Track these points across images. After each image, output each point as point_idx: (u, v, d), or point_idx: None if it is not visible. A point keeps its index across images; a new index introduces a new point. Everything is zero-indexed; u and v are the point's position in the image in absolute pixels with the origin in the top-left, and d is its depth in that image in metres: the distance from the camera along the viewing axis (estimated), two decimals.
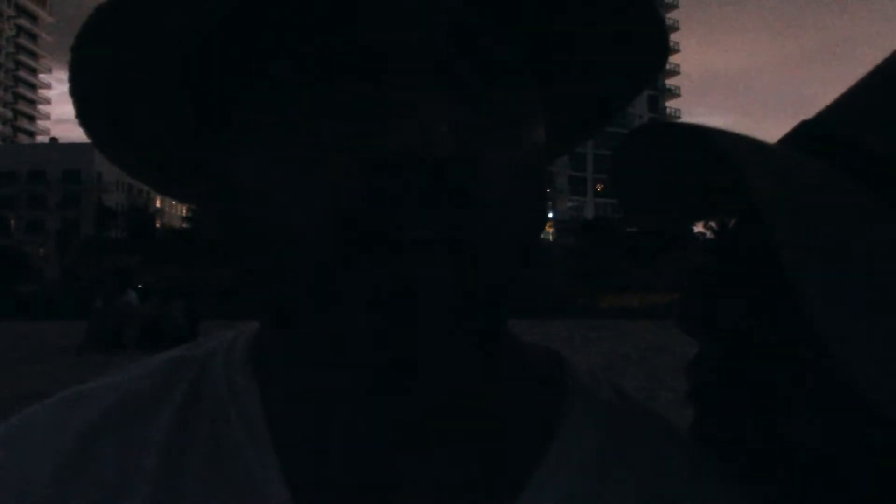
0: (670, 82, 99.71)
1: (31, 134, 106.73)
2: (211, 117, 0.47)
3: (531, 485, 0.48)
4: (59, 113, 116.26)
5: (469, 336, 0.42)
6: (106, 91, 0.46)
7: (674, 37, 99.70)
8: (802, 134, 0.55)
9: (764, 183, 0.46)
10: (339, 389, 0.47)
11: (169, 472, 0.49)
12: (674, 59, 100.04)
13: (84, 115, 0.47)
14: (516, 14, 0.44)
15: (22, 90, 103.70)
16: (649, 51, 0.49)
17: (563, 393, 0.52)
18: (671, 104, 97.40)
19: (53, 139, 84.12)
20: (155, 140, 0.50)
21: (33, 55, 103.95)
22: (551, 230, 77.22)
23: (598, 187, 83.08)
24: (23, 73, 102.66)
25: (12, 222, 71.75)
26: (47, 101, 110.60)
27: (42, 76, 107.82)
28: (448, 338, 0.41)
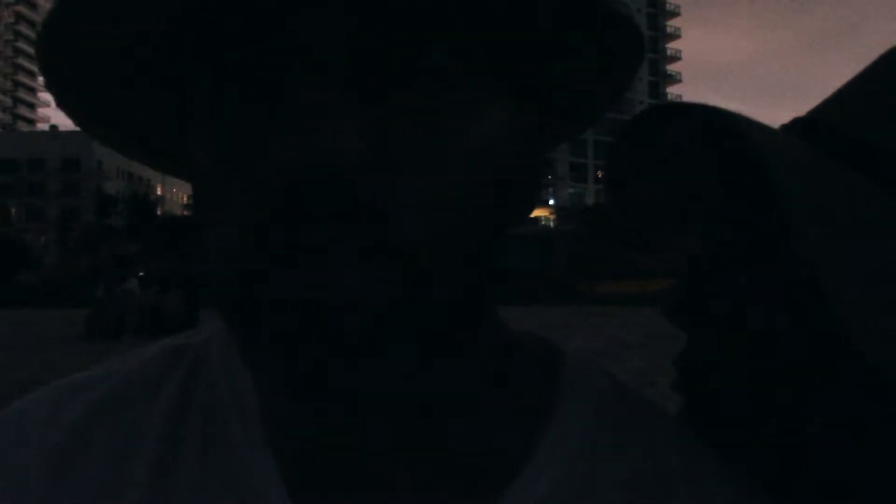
0: (671, 68, 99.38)
1: (31, 122, 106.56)
2: (181, 113, 0.47)
3: (524, 473, 0.48)
4: None
5: (398, 347, 0.40)
6: (79, 75, 0.46)
7: (675, 22, 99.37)
8: (797, 130, 0.54)
9: (792, 185, 0.45)
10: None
11: (164, 463, 0.49)
12: (675, 44, 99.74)
13: (60, 95, 0.47)
14: (443, 12, 0.42)
15: (21, 78, 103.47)
16: (617, 42, 0.46)
17: (556, 382, 0.52)
18: (672, 90, 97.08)
19: (53, 127, 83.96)
20: (141, 128, 0.51)
21: (32, 42, 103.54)
22: (552, 217, 77.14)
23: (599, 174, 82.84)
24: (22, 61, 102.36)
25: (12, 210, 71.72)
26: (47, 89, 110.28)
27: None
28: (366, 350, 0.40)
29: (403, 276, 0.40)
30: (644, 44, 0.46)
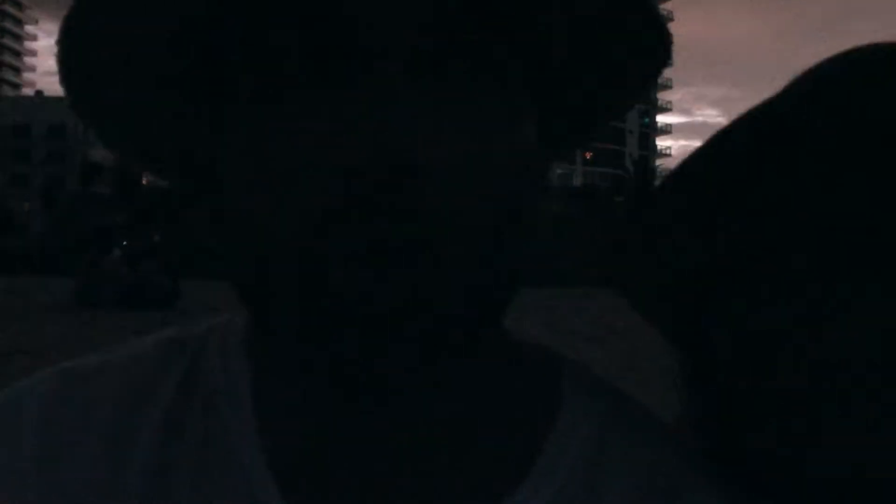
0: None
1: (16, 86, 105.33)
2: (201, 111, 0.47)
3: (526, 482, 0.48)
4: (45, 66, 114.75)
5: (439, 341, 0.42)
6: (96, 76, 0.46)
7: (668, 6, 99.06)
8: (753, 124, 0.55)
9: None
10: (320, 391, 0.47)
11: (161, 457, 0.49)
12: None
13: (75, 97, 0.48)
14: (500, 11, 0.43)
15: (7, 41, 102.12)
16: (646, 49, 0.48)
17: (558, 389, 0.53)
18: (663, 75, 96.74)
19: (39, 92, 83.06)
20: (150, 130, 0.51)
21: (18, 5, 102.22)
22: None
23: (587, 155, 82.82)
24: (8, 24, 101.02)
25: None
26: (33, 53, 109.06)
27: (28, 27, 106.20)
28: (414, 344, 0.41)
29: (449, 271, 0.41)
30: (671, 43, 0.47)
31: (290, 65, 0.42)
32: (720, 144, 0.53)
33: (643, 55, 0.48)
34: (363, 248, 0.40)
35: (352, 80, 0.40)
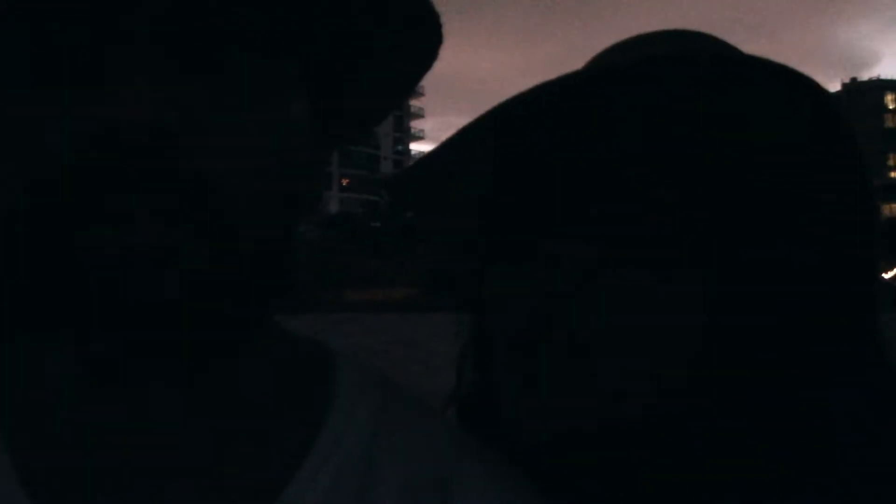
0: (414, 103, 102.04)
1: None
2: None
3: (296, 479, 0.48)
4: None
5: (207, 307, 0.40)
6: None
7: None
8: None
9: None
10: (65, 375, 0.44)
11: None
12: None
13: None
14: None
15: None
16: (419, 37, 0.49)
17: (331, 381, 0.53)
18: (415, 103, 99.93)
19: None
20: None
21: None
22: None
23: (344, 181, 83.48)
24: None
25: None
26: None
27: None
28: (153, 321, 0.39)
29: (208, 240, 0.40)
30: (440, 41, 0.49)
31: (35, 28, 0.40)
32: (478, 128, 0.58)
33: (412, 47, 0.49)
34: (98, 211, 0.38)
35: (97, 46, 0.39)
